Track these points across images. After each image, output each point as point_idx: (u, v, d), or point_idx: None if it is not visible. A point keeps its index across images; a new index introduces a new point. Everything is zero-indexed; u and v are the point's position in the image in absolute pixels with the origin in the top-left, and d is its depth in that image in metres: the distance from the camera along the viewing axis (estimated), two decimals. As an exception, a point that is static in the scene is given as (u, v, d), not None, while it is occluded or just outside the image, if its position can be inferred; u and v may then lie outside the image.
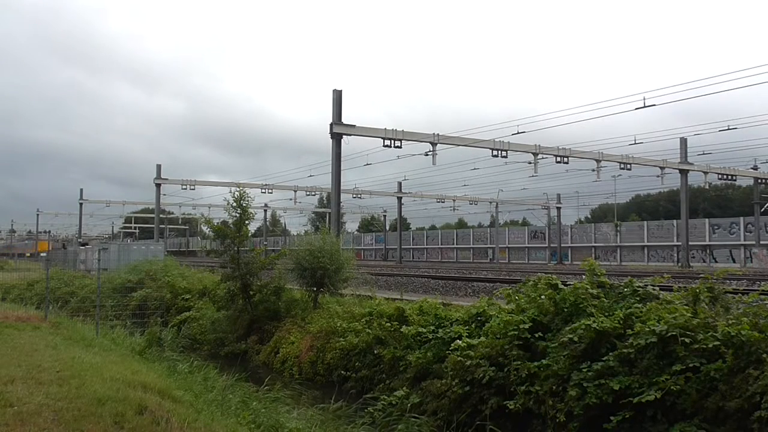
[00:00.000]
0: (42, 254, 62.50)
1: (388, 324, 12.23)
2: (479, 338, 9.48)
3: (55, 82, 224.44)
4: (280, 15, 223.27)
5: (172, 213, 77.19)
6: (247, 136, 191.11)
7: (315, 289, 16.65)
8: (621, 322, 7.92)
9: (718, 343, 6.80)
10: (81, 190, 65.72)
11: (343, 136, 25.06)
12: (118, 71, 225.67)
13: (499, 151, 29.87)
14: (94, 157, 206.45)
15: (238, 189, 18.65)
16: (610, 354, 7.46)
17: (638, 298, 8.75)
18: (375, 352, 11.86)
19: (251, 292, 17.25)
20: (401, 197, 60.67)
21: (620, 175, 41.85)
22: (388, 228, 75.48)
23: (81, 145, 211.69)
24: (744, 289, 12.41)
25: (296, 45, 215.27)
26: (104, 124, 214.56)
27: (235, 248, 17.78)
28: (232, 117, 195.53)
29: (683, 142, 38.00)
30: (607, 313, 8.28)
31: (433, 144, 28.12)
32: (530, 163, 33.53)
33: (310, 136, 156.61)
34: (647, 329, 7.31)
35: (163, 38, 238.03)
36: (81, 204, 65.25)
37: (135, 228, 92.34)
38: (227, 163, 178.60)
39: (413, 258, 71.95)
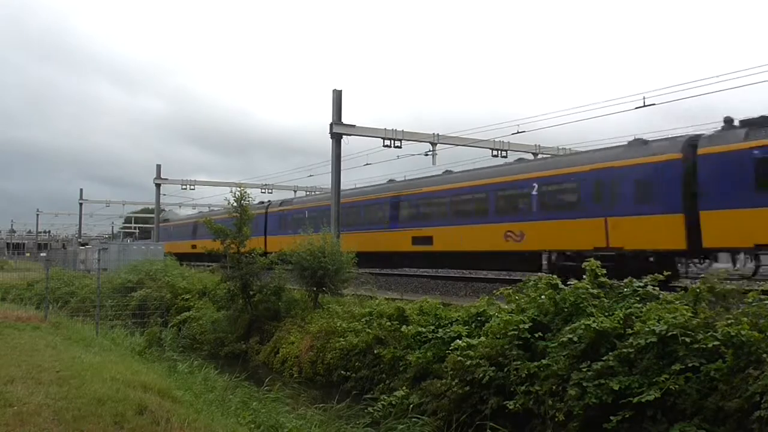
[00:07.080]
0: (42, 254, 62.26)
1: (388, 324, 12.22)
2: (479, 338, 9.47)
3: (32, 80, 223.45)
4: (266, 16, 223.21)
5: (172, 213, 77.07)
6: (232, 136, 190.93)
7: (315, 289, 16.64)
8: (621, 322, 7.91)
9: (718, 343, 6.80)
10: (81, 190, 65.62)
11: (343, 136, 25.02)
12: (98, 70, 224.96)
13: (499, 151, 29.79)
14: (80, 156, 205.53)
15: (239, 189, 18.67)
16: (610, 354, 7.45)
17: (638, 298, 8.75)
18: (375, 352, 11.84)
19: (251, 292, 17.25)
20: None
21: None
22: (388, 228, 75.18)
23: (66, 144, 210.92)
24: (744, 290, 12.36)
25: (283, 46, 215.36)
26: (88, 123, 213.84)
27: (236, 248, 17.80)
28: (216, 117, 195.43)
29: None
30: (607, 313, 8.27)
31: (433, 144, 28.06)
32: (530, 163, 33.46)
33: (297, 137, 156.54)
34: (647, 329, 7.31)
35: (143, 38, 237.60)
36: (81, 204, 65.19)
37: (135, 228, 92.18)
38: (214, 162, 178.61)
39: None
